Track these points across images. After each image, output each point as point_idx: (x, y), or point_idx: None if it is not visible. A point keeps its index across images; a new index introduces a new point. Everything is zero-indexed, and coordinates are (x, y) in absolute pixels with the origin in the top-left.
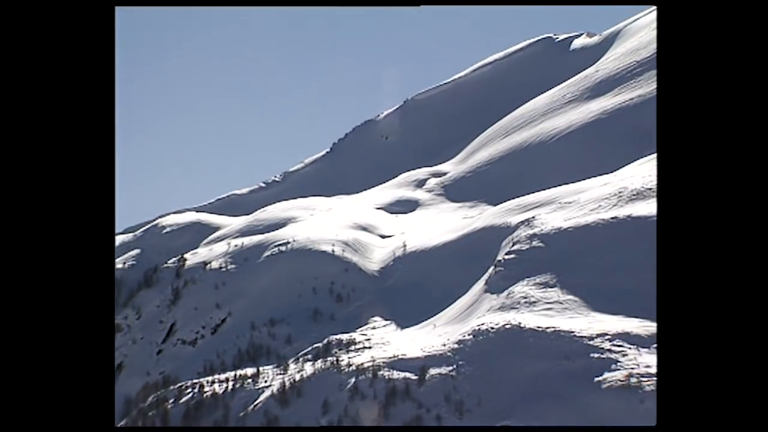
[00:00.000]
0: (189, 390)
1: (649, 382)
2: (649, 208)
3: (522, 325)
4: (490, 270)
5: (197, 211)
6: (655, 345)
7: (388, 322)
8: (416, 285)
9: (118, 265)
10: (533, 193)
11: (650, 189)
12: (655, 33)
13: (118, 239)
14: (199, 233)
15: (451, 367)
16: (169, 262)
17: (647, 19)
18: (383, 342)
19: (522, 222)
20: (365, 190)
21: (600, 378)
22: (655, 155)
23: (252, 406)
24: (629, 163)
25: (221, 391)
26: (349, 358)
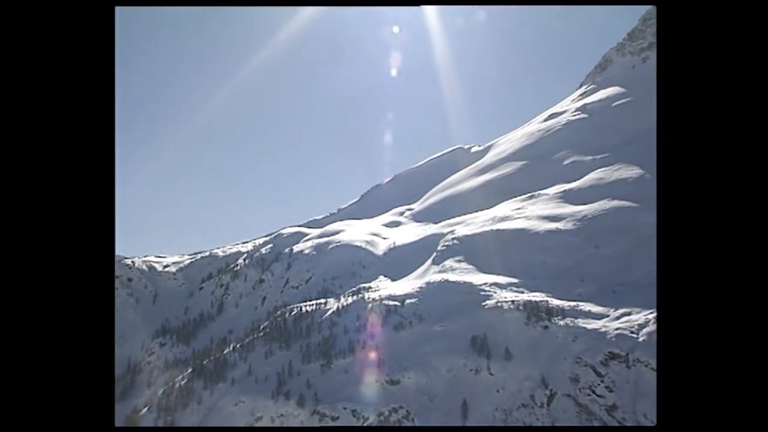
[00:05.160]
0: (295, 309)
1: (505, 306)
2: (507, 225)
3: (449, 280)
4: (434, 254)
5: (298, 227)
6: (511, 287)
7: (387, 278)
8: (399, 261)
9: (263, 251)
10: (454, 218)
11: (508, 216)
12: (512, 144)
13: (262, 240)
14: (299, 237)
15: (416, 299)
16: (285, 250)
17: (506, 138)
18: (384, 288)
19: (449, 231)
20: (376, 216)
21: (484, 303)
22: (510, 201)
23: (323, 316)
24: (497, 205)
25: (310, 310)
26: (368, 294)
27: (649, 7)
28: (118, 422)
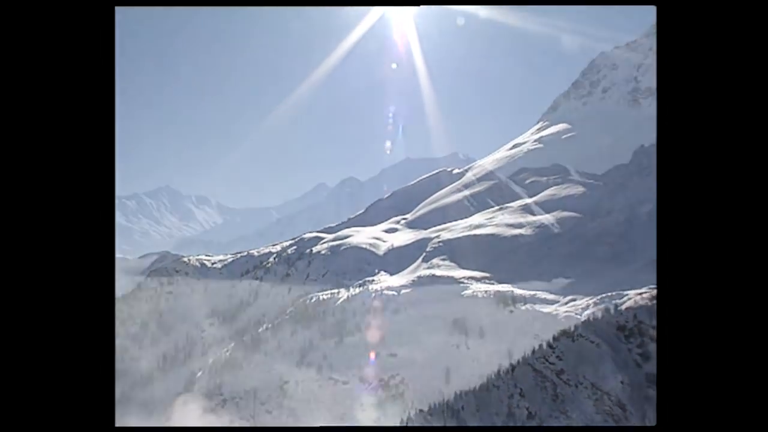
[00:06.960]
0: (314, 297)
1: (479, 295)
2: (481, 231)
3: (436, 275)
4: (423, 254)
5: (316, 232)
6: (484, 280)
7: (386, 273)
8: (396, 259)
9: (288, 251)
10: (439, 225)
11: (482, 224)
12: (485, 167)
13: (288, 243)
14: (317, 240)
15: (410, 289)
16: (306, 250)
17: (480, 162)
18: (384, 281)
19: (435, 236)
20: (378, 224)
21: (463, 293)
22: (483, 212)
23: (337, 303)
24: (473, 215)
25: (326, 298)
26: (371, 286)
27: (587, 64)
28: (182, 381)
